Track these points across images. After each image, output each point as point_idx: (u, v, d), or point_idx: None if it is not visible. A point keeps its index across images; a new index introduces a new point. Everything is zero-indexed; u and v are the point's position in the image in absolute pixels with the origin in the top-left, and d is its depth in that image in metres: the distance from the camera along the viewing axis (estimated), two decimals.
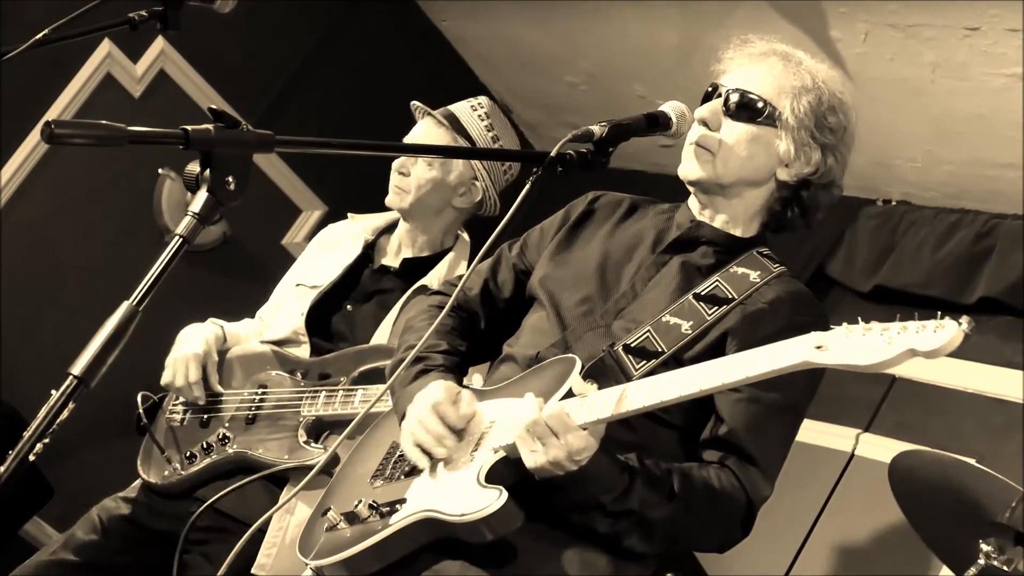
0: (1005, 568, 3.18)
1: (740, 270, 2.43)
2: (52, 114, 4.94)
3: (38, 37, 2.87)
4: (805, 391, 2.39)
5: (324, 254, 3.59)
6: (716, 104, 2.46)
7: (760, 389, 2.28)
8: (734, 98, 2.44)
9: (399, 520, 2.25)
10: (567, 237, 2.63)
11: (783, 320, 2.30)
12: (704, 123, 2.45)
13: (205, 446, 3.24)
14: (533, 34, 5.63)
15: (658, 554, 2.41)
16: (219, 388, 3.33)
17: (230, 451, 3.21)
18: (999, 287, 4.63)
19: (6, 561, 3.23)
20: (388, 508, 2.29)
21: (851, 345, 1.86)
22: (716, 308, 2.36)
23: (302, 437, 3.15)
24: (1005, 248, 4.68)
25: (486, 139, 3.44)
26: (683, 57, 5.02)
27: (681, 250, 2.50)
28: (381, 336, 3.27)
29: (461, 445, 2.29)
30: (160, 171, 5.24)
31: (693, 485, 2.25)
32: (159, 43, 5.19)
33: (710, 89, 2.50)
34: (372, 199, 3.67)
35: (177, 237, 1.75)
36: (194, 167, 1.80)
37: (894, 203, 5.14)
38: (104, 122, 1.69)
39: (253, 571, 3.04)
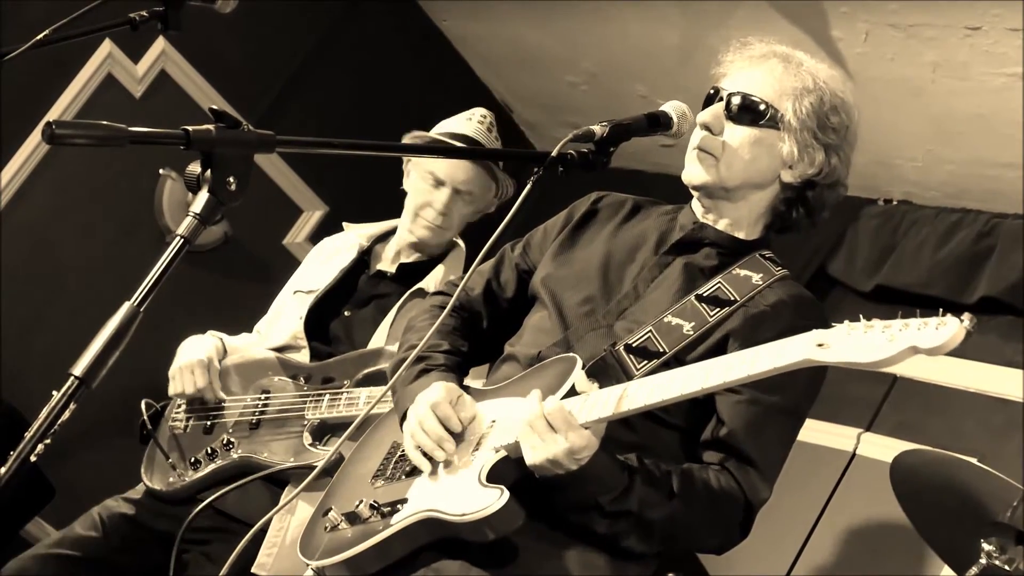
0: (1007, 568, 3.17)
1: (742, 272, 2.42)
2: (53, 114, 4.94)
3: (39, 37, 2.87)
4: (806, 393, 2.39)
5: (321, 264, 3.60)
6: (718, 108, 2.45)
7: (761, 391, 2.28)
8: (735, 101, 2.44)
9: (400, 520, 2.25)
10: (570, 237, 2.63)
11: (785, 323, 2.30)
12: (706, 127, 2.44)
13: (210, 452, 3.24)
14: (534, 34, 5.63)
15: (658, 554, 2.41)
16: (221, 395, 3.33)
17: (235, 456, 3.21)
18: (1000, 287, 4.63)
19: (7, 562, 3.22)
20: (389, 508, 2.29)
21: (853, 343, 1.86)
22: (718, 310, 2.36)
23: (307, 440, 3.15)
24: (1006, 248, 4.68)
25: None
26: (684, 57, 5.02)
27: (684, 251, 2.50)
28: (379, 339, 3.28)
29: (462, 445, 2.29)
30: (161, 171, 5.24)
31: (692, 486, 2.25)
32: (160, 43, 5.18)
33: (711, 92, 2.50)
34: (373, 199, 3.68)
35: (178, 237, 1.75)
36: (195, 167, 1.80)
37: (895, 203, 5.14)
38: (105, 122, 1.69)
39: (254, 570, 3.05)
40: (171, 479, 3.25)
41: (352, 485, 2.48)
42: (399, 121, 3.65)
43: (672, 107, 2.39)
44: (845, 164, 2.49)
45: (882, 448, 4.50)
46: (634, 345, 2.33)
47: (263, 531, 3.04)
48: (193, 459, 3.25)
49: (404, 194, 3.56)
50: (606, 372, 2.30)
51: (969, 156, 4.69)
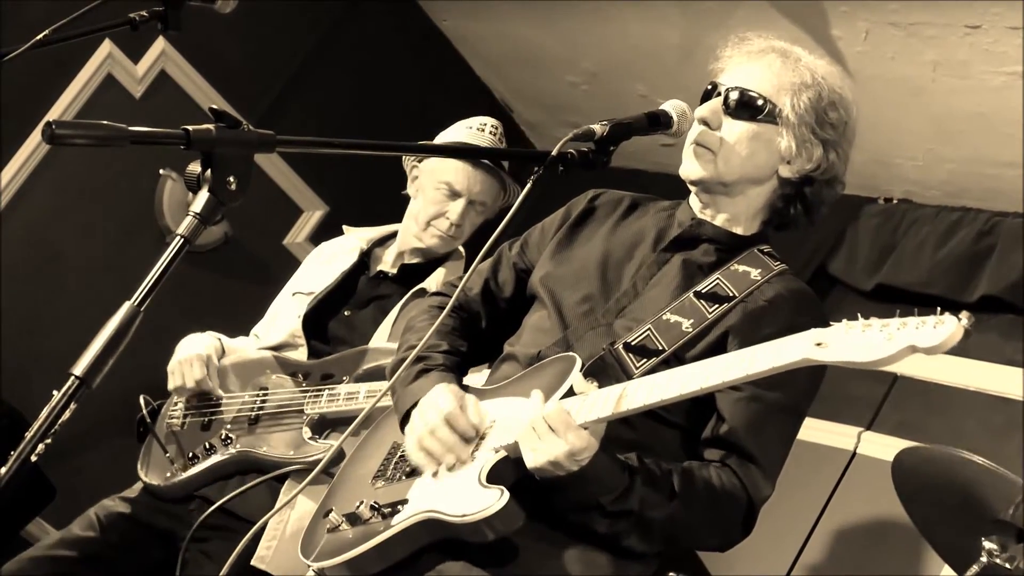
0: (1007, 566, 3.17)
1: (741, 268, 2.42)
2: (53, 115, 4.94)
3: (39, 38, 2.86)
4: (806, 390, 2.39)
5: (320, 266, 3.60)
6: (716, 103, 2.45)
7: (761, 388, 2.28)
8: (733, 96, 2.44)
9: (401, 521, 2.24)
10: (568, 235, 2.62)
11: (784, 319, 2.30)
12: (704, 122, 2.44)
13: (207, 447, 3.24)
14: (534, 33, 5.63)
15: (660, 553, 2.41)
16: (219, 391, 3.34)
17: (233, 451, 3.21)
18: (1000, 285, 4.63)
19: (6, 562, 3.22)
20: (390, 509, 2.29)
21: (851, 342, 1.86)
22: (717, 306, 2.35)
23: (307, 433, 3.15)
24: (1006, 246, 4.69)
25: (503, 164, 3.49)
26: (684, 56, 5.02)
27: (682, 248, 2.49)
28: (380, 338, 3.28)
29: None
30: (161, 172, 5.24)
31: (693, 485, 2.24)
32: (160, 43, 5.19)
33: (709, 88, 2.50)
34: (373, 199, 3.68)
35: (178, 237, 1.75)
36: (195, 167, 1.80)
37: (895, 202, 5.14)
38: (105, 122, 1.69)
39: (253, 563, 3.04)
40: (168, 474, 3.25)
41: (353, 486, 2.48)
42: (399, 121, 3.66)
43: (672, 106, 2.39)
44: (843, 160, 2.49)
45: (883, 447, 4.51)
46: (633, 343, 2.33)
47: (264, 527, 3.05)
48: (191, 454, 3.25)
49: (405, 196, 3.56)
50: (605, 371, 2.30)
51: (969, 155, 4.69)
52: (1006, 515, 3.18)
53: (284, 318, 3.48)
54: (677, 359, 2.29)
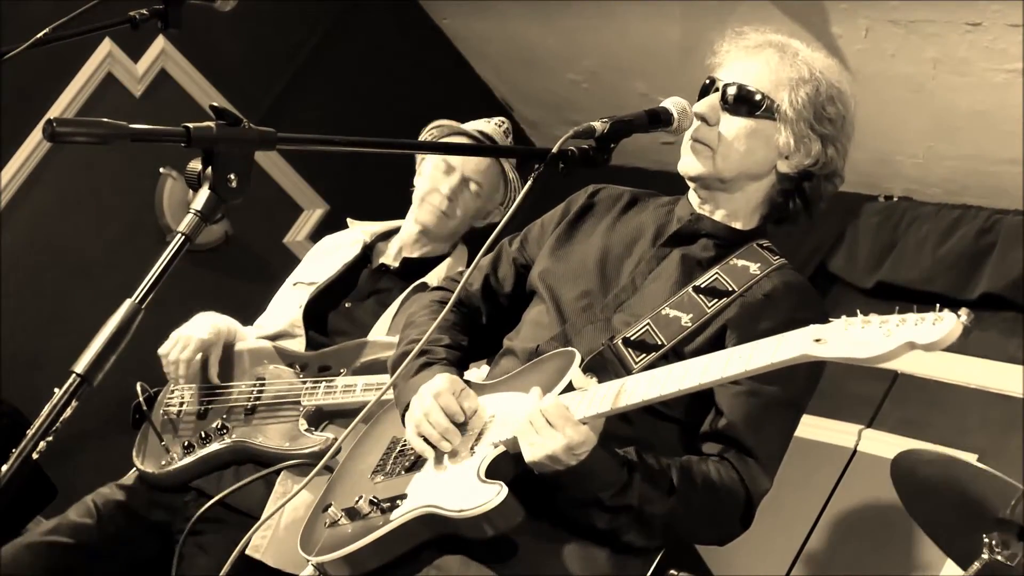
0: (1009, 563, 3.18)
1: (740, 262, 2.42)
2: (53, 113, 4.93)
3: (38, 36, 2.86)
4: (805, 385, 2.39)
5: (323, 257, 3.61)
6: (714, 99, 2.45)
7: (760, 382, 2.28)
8: (731, 92, 2.44)
9: (400, 516, 2.25)
10: (567, 231, 2.63)
11: (783, 313, 2.30)
12: (702, 118, 2.44)
13: (203, 436, 3.24)
14: (534, 32, 5.63)
15: (659, 549, 2.41)
16: (215, 380, 3.33)
17: (228, 440, 3.21)
18: (1001, 283, 4.63)
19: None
20: (389, 504, 2.29)
21: (850, 338, 1.86)
22: (716, 300, 2.36)
23: (303, 425, 3.16)
24: (1007, 244, 4.69)
25: (511, 163, 3.49)
26: (684, 54, 5.02)
27: (681, 243, 2.50)
28: (380, 331, 3.29)
29: (462, 439, 2.30)
30: (161, 170, 5.24)
31: (692, 479, 2.24)
32: (160, 42, 5.18)
33: (707, 83, 2.49)
34: (373, 197, 3.68)
35: (179, 235, 1.75)
36: (196, 165, 1.79)
37: (896, 199, 5.14)
38: (106, 120, 1.69)
39: (248, 553, 3.04)
40: (163, 462, 3.25)
41: (352, 481, 2.48)
42: (400, 119, 3.65)
43: (672, 103, 2.39)
44: (842, 155, 2.49)
45: (883, 444, 4.51)
46: (632, 338, 2.33)
47: (257, 517, 3.05)
48: (186, 443, 3.25)
49: (405, 192, 3.57)
50: (604, 366, 2.30)
51: (970, 152, 4.69)
52: (1006, 513, 3.18)
53: (285, 307, 3.48)
54: (676, 354, 2.29)
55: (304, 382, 3.23)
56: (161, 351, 3.32)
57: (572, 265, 2.54)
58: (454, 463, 2.27)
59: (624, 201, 2.65)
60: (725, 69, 2.49)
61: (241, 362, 3.38)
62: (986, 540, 3.21)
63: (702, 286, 2.38)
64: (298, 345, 3.34)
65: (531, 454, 2.14)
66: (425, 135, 3.55)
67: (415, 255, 3.48)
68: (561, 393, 2.21)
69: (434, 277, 3.38)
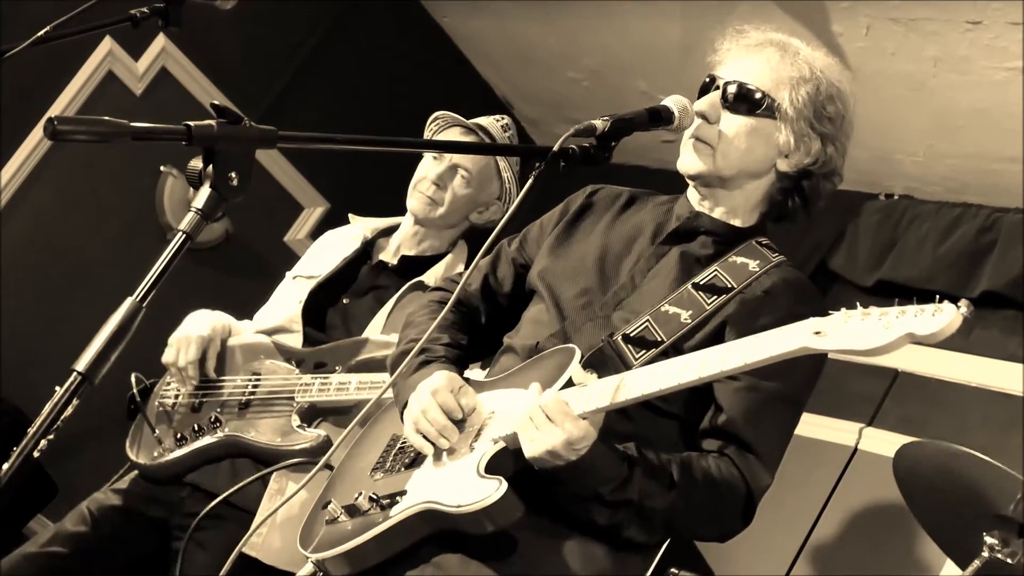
0: (1009, 561, 3.18)
1: (739, 260, 2.42)
2: (54, 112, 4.93)
3: (39, 35, 2.86)
4: (806, 381, 2.38)
5: (323, 252, 3.61)
6: (714, 97, 2.45)
7: (759, 378, 2.28)
8: (732, 90, 2.44)
9: (399, 512, 2.25)
10: (566, 230, 2.63)
11: (783, 309, 2.30)
12: (703, 116, 2.44)
13: (196, 429, 3.25)
14: (535, 30, 5.63)
15: (659, 545, 2.41)
16: (212, 375, 3.34)
17: (221, 434, 3.22)
18: (1002, 281, 4.63)
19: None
20: (388, 500, 2.30)
21: (850, 330, 1.85)
22: (715, 297, 2.36)
23: (295, 421, 3.16)
24: (1007, 242, 4.69)
25: (513, 160, 3.48)
26: (685, 52, 5.02)
27: (680, 241, 2.50)
28: (375, 329, 3.29)
29: (462, 436, 2.30)
30: (162, 168, 5.24)
31: (692, 475, 2.24)
32: (160, 40, 5.18)
33: (707, 80, 2.49)
34: (374, 195, 3.68)
35: (180, 233, 1.75)
36: (197, 163, 1.80)
37: (896, 198, 5.14)
38: (107, 118, 1.69)
39: (244, 550, 3.05)
40: (156, 453, 3.26)
41: (352, 478, 2.48)
42: (400, 117, 3.66)
43: (673, 101, 2.39)
44: (841, 153, 2.49)
45: (884, 443, 4.51)
46: (632, 335, 2.33)
47: (253, 512, 3.07)
48: (179, 435, 3.25)
49: (406, 191, 3.57)
50: (605, 363, 2.30)
51: (970, 151, 4.69)
52: (1007, 511, 3.18)
53: (284, 301, 3.48)
54: (676, 350, 2.29)
55: (299, 378, 3.23)
56: (165, 360, 3.33)
57: (571, 263, 2.54)
58: (454, 460, 2.27)
59: (622, 200, 2.65)
60: (726, 67, 2.49)
61: (233, 358, 3.39)
62: (986, 538, 3.21)
63: (701, 283, 2.38)
64: (295, 340, 3.35)
65: (531, 450, 2.14)
66: (428, 127, 3.56)
67: (413, 252, 3.48)
68: (561, 389, 2.21)
69: (432, 276, 3.38)
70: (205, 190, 1.77)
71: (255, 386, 3.28)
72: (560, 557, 2.25)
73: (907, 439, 3.91)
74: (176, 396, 3.37)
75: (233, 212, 5.01)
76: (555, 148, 2.20)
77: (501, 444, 2.21)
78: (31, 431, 1.63)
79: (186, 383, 3.31)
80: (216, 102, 1.81)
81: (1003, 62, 4.26)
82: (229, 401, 3.29)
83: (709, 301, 2.35)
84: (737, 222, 2.51)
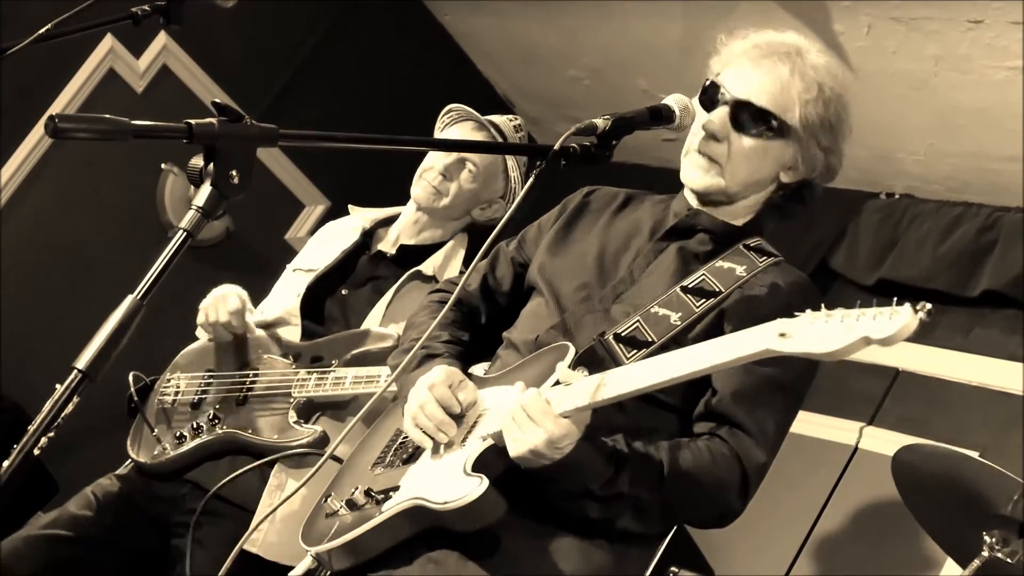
0: (1009, 560, 3.18)
1: (726, 264, 2.43)
2: (55, 110, 4.93)
3: (40, 33, 2.87)
4: (802, 371, 2.36)
5: (323, 243, 3.61)
6: (723, 115, 2.43)
7: (756, 363, 2.28)
8: (744, 113, 2.42)
9: (391, 507, 2.27)
10: (564, 229, 2.64)
11: (782, 300, 2.30)
12: (712, 135, 2.43)
13: (195, 426, 3.25)
14: (536, 29, 5.63)
15: (659, 540, 2.41)
16: (254, 332, 3.32)
17: (220, 431, 3.22)
18: (1002, 280, 4.63)
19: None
20: (383, 495, 2.31)
21: (814, 332, 1.84)
22: (704, 300, 2.36)
23: (292, 417, 3.16)
24: (1008, 242, 4.69)
25: (521, 160, 3.49)
26: (686, 51, 5.02)
27: (678, 237, 2.51)
28: (374, 320, 3.29)
29: (458, 431, 2.31)
30: (163, 166, 5.25)
31: (682, 459, 2.24)
32: (161, 38, 5.18)
33: (710, 86, 2.47)
34: (375, 194, 3.68)
35: (181, 231, 1.75)
36: (198, 161, 1.80)
37: (897, 197, 5.14)
38: (108, 116, 1.69)
39: (244, 547, 3.05)
40: (155, 452, 3.26)
41: (355, 472, 2.50)
42: (401, 116, 3.66)
43: (674, 100, 2.39)
44: (839, 157, 2.51)
45: (884, 442, 4.51)
46: (623, 335, 2.33)
47: (253, 510, 3.07)
48: (179, 433, 3.25)
49: (406, 189, 3.57)
50: (597, 361, 2.29)
51: (971, 150, 4.69)
52: (1007, 510, 3.18)
53: (283, 294, 3.49)
54: (665, 351, 2.28)
55: (296, 373, 3.23)
56: (203, 320, 3.31)
57: (570, 260, 2.55)
58: (447, 455, 2.28)
59: (619, 200, 2.67)
60: (732, 77, 2.46)
61: (227, 353, 3.39)
62: (986, 537, 3.21)
63: (690, 286, 2.39)
64: (294, 334, 3.35)
65: (514, 449, 2.14)
66: (441, 119, 3.56)
67: (412, 241, 3.48)
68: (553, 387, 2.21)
69: (430, 265, 3.38)
70: (206, 188, 1.77)
71: (252, 382, 3.29)
72: (558, 555, 2.26)
73: (908, 438, 3.92)
74: (176, 394, 3.37)
75: (234, 210, 5.00)
76: (556, 147, 2.20)
77: (490, 442, 2.22)
78: (32, 428, 1.64)
79: (231, 331, 3.29)
80: (217, 100, 1.81)
81: (1004, 61, 4.26)
82: (227, 397, 3.29)
83: (698, 304, 2.36)
84: (735, 222, 2.52)
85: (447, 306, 2.35)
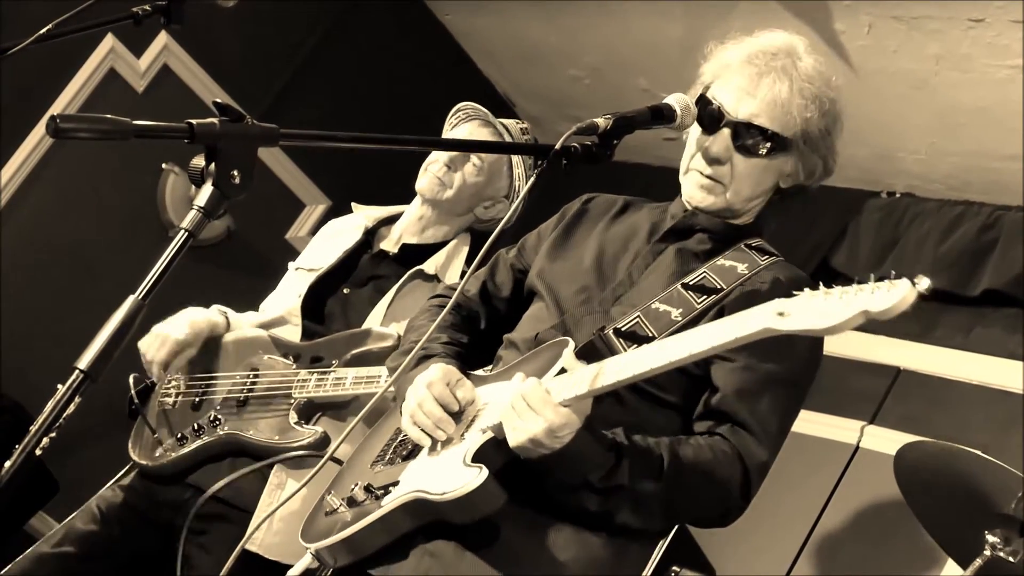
0: (1011, 559, 3.18)
1: (727, 263, 2.43)
2: (56, 109, 4.94)
3: (41, 32, 2.87)
4: (804, 365, 2.38)
5: (325, 242, 3.61)
6: (725, 138, 2.43)
7: (756, 359, 2.29)
8: (745, 135, 2.43)
9: (390, 501, 2.27)
10: (563, 235, 2.65)
11: (782, 293, 2.30)
12: (715, 160, 2.44)
13: (196, 428, 3.25)
14: (536, 28, 5.64)
15: (659, 537, 2.40)
16: (162, 375, 3.33)
17: (221, 433, 3.22)
18: (1003, 279, 4.64)
19: (11, 556, 3.23)
20: (382, 491, 2.32)
21: (812, 309, 1.84)
22: (705, 297, 2.36)
23: (293, 418, 3.16)
24: (1009, 240, 4.69)
25: (527, 164, 3.48)
26: (686, 50, 4.98)
27: (677, 238, 2.51)
28: (375, 319, 3.29)
29: (456, 428, 2.31)
30: (164, 166, 5.25)
31: (683, 455, 2.24)
32: (162, 38, 5.19)
33: (707, 104, 2.46)
34: (375, 193, 3.68)
35: (182, 230, 1.75)
36: (199, 161, 1.80)
37: (898, 195, 5.14)
38: (109, 116, 1.69)
39: (245, 547, 3.05)
40: (157, 454, 3.26)
41: (356, 470, 2.51)
42: (401, 116, 3.66)
43: (675, 99, 2.39)
44: (835, 155, 2.53)
45: (886, 441, 4.51)
46: (623, 329, 2.33)
47: (253, 510, 3.06)
48: (180, 435, 3.25)
49: (408, 188, 3.57)
50: (596, 355, 2.29)
51: (972, 149, 4.69)
52: (1009, 509, 3.18)
53: (285, 293, 3.49)
54: None
55: (296, 374, 3.23)
56: (140, 345, 3.33)
57: (569, 265, 2.57)
58: (446, 450, 2.29)
59: (618, 206, 2.68)
60: (730, 97, 2.45)
61: (227, 354, 3.39)
62: (988, 536, 3.21)
63: (691, 283, 2.40)
64: (294, 334, 3.35)
65: (514, 438, 2.14)
66: (450, 119, 3.56)
67: (415, 240, 3.48)
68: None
69: (432, 264, 3.38)
70: (207, 188, 1.77)
71: (253, 383, 3.29)
72: (556, 547, 2.26)
73: (909, 437, 3.92)
74: (176, 395, 3.37)
75: (235, 209, 5.00)
76: (557, 146, 2.21)
77: (489, 434, 2.22)
78: (33, 428, 1.64)
79: (155, 378, 3.31)
80: (218, 100, 1.81)
81: (1005, 60, 4.26)
82: (228, 399, 3.29)
83: (699, 301, 2.36)
84: (734, 221, 2.53)
85: (446, 309, 2.36)
